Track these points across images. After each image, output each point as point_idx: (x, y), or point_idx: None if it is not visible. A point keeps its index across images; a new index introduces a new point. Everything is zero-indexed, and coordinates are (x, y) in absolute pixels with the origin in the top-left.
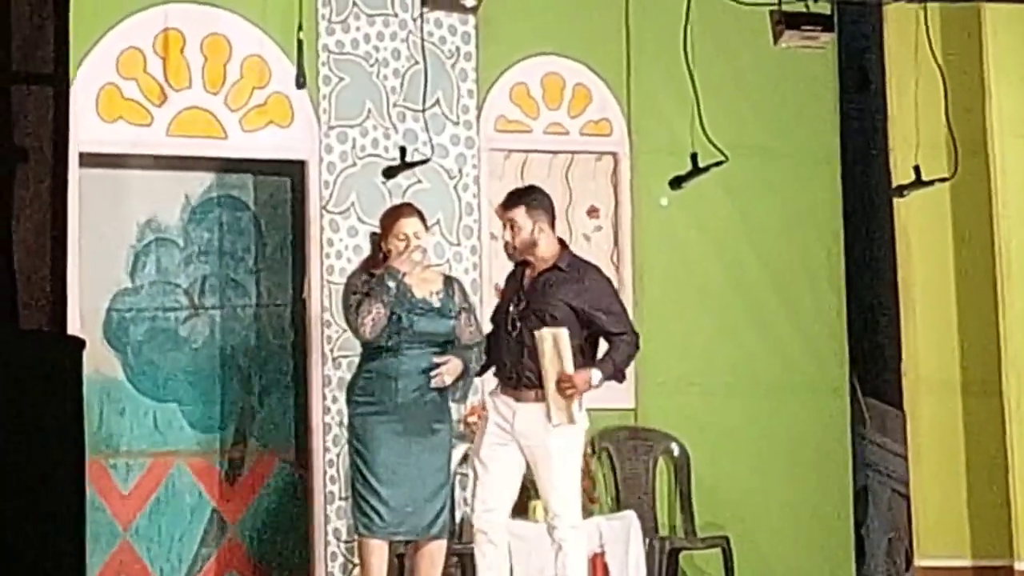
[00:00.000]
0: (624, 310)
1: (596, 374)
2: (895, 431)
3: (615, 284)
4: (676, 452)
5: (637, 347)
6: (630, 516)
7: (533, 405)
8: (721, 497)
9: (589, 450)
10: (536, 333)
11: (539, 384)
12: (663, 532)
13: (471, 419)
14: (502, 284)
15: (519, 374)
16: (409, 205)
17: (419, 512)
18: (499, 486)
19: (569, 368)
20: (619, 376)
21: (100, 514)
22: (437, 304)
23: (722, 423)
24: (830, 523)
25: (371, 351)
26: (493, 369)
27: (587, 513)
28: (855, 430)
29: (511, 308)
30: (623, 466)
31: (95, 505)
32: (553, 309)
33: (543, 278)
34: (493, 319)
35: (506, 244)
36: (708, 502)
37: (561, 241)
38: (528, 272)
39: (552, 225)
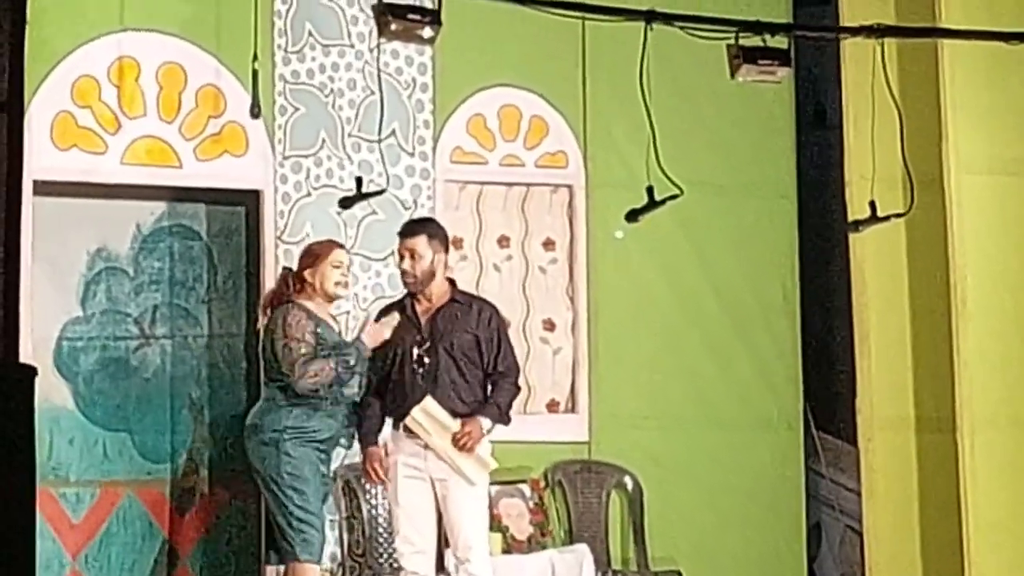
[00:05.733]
0: (512, 348)
1: (485, 421)
2: (849, 467)
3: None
4: (629, 485)
5: (519, 388)
6: (583, 549)
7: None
8: (674, 530)
9: (542, 483)
10: (407, 423)
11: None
12: (616, 565)
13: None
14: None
15: None
16: (339, 244)
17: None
18: (420, 524)
19: (454, 425)
20: (505, 419)
21: (49, 544)
22: (348, 338)
23: (676, 456)
24: (783, 558)
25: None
26: (395, 408)
27: (540, 546)
28: (809, 465)
29: (414, 347)
30: (576, 499)
31: (44, 534)
32: (461, 343)
33: (444, 313)
34: (384, 360)
35: (404, 273)
36: (661, 535)
37: (449, 277)
38: (420, 308)
39: (446, 258)
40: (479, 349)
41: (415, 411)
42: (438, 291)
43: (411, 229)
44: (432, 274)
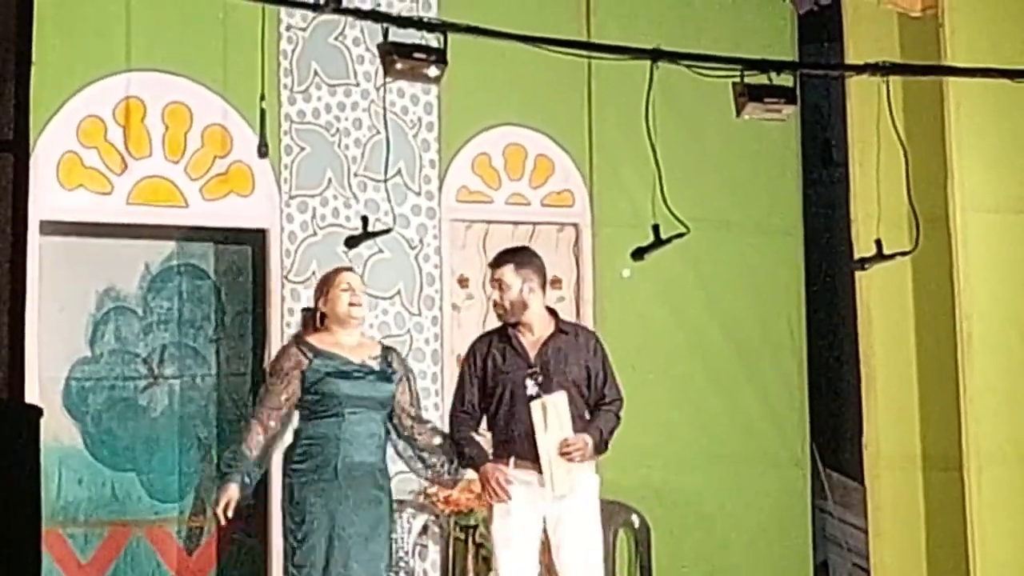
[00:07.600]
0: (615, 376)
1: (589, 440)
2: (856, 504)
3: None
4: (637, 524)
5: (619, 419)
6: None
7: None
8: (681, 569)
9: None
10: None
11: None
12: None
13: (431, 490)
14: (463, 353)
15: None
16: (347, 268)
17: None
18: (527, 560)
19: (569, 432)
20: (603, 447)
21: None
22: (377, 368)
23: (683, 494)
24: None
25: (310, 416)
26: (502, 441)
27: None
28: (815, 503)
29: (527, 379)
30: None
31: (52, 575)
32: (574, 376)
33: (552, 344)
34: (492, 391)
35: (495, 304)
36: (669, 574)
37: (548, 307)
38: (525, 340)
39: (543, 288)
40: (589, 380)
41: (546, 398)
42: (540, 322)
43: (498, 259)
44: (524, 304)
